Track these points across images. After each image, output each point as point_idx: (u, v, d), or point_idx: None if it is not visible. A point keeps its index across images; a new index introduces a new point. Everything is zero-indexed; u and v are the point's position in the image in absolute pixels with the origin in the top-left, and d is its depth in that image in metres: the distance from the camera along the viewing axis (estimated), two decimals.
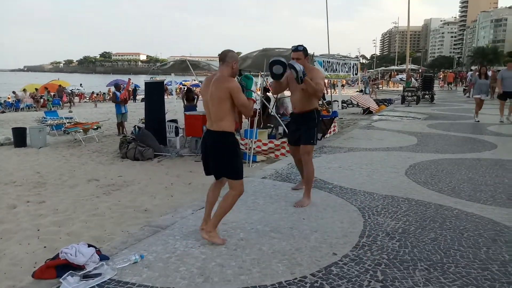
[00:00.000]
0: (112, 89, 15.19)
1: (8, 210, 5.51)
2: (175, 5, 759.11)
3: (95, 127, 12.21)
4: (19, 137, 10.64)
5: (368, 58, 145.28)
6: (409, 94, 19.19)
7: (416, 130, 10.45)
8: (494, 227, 3.88)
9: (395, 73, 46.16)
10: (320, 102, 11.42)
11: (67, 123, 12.82)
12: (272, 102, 10.91)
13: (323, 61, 9.51)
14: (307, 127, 4.65)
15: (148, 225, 4.10)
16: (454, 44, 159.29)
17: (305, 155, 4.66)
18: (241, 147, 7.68)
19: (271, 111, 10.43)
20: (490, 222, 4.02)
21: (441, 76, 43.84)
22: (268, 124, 10.38)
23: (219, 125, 3.42)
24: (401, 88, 26.52)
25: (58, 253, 3.20)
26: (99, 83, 49.83)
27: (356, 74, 13.49)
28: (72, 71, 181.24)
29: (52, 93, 26.45)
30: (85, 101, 33.08)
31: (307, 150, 4.65)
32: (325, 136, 9.67)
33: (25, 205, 5.68)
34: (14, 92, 26.55)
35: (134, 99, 29.81)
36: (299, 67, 4.18)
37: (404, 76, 30.82)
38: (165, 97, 12.36)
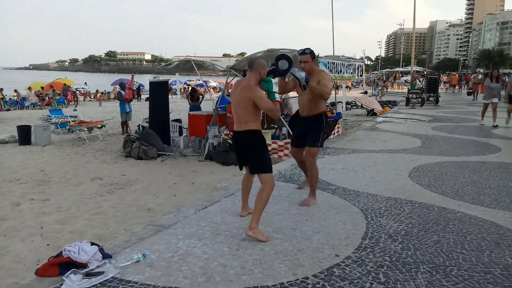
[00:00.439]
0: (117, 88, 15.24)
1: (12, 207, 5.53)
2: (180, 5, 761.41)
3: (99, 126, 12.23)
4: (24, 135, 10.69)
5: (373, 59, 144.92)
6: (414, 96, 19.15)
7: (420, 132, 10.42)
8: (498, 231, 3.87)
9: (400, 75, 46.04)
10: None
11: (72, 121, 12.87)
12: None
13: (328, 62, 9.51)
14: (314, 130, 4.60)
15: (151, 224, 4.11)
16: (460, 47, 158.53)
17: (309, 158, 4.63)
18: None
19: None
20: (494, 225, 4.01)
21: (443, 79, 43.55)
22: (272, 125, 10.38)
23: (247, 126, 3.73)
24: (405, 90, 26.44)
25: (61, 251, 3.22)
26: (104, 82, 49.95)
27: (361, 75, 13.46)
28: (77, 69, 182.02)
29: (57, 92, 26.60)
30: (90, 100, 33.19)
31: (311, 153, 4.62)
32: (329, 138, 9.65)
33: (29, 203, 5.71)
34: (16, 91, 26.59)
35: (139, 97, 29.87)
36: (300, 75, 4.12)
37: (408, 78, 30.76)
38: (169, 96, 12.38)
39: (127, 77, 38.18)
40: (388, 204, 4.63)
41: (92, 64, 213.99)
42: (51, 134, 11.28)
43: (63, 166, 8.06)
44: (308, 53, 4.48)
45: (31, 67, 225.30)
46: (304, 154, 4.73)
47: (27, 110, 22.75)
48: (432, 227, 3.94)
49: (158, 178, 7.02)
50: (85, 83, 39.43)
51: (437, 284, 2.86)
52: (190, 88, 16.29)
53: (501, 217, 4.22)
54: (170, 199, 5.80)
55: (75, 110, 19.84)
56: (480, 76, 25.85)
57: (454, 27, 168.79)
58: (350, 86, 40.30)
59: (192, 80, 40.89)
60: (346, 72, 10.75)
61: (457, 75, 43.41)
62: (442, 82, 40.43)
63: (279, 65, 4.08)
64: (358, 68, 12.00)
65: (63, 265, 3.05)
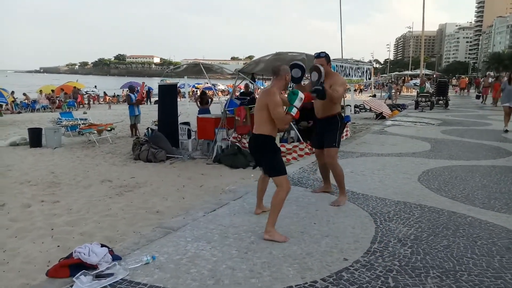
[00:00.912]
0: (127, 91, 15.34)
1: (23, 209, 5.60)
2: (188, 8, 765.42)
3: (109, 128, 12.34)
4: (35, 138, 10.81)
5: (382, 62, 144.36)
6: (423, 99, 19.03)
7: (430, 136, 10.34)
8: (508, 235, 3.82)
9: (409, 78, 45.77)
10: None
11: (82, 124, 13.00)
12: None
13: (336, 65, 9.48)
14: (328, 131, 4.76)
15: (160, 227, 4.13)
16: (470, 50, 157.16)
17: (329, 159, 4.78)
18: None
19: None
20: (504, 230, 3.96)
21: (452, 82, 43.10)
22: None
23: (260, 129, 3.83)
24: (414, 93, 26.23)
25: (72, 252, 3.25)
26: (113, 85, 50.34)
27: (369, 78, 13.40)
28: (87, 73, 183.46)
29: (68, 95, 26.86)
30: (99, 103, 33.47)
31: (331, 154, 4.75)
32: None
33: (40, 205, 5.77)
34: (25, 94, 26.82)
35: (149, 100, 30.09)
36: (316, 94, 4.28)
37: (417, 81, 30.54)
38: (178, 99, 12.44)
39: (137, 80, 38.48)
40: (397, 208, 4.61)
41: (101, 67, 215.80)
42: (61, 137, 11.41)
43: (73, 168, 8.13)
44: (323, 57, 4.69)
45: (41, 70, 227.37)
46: (324, 156, 4.85)
47: (38, 113, 22.99)
48: (442, 231, 3.91)
49: (167, 181, 7.05)
50: (95, 86, 39.73)
51: None
52: (199, 92, 16.34)
53: None
54: (178, 202, 5.82)
55: (85, 113, 20.03)
56: (490, 80, 25.56)
57: (463, 30, 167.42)
58: (360, 89, 40.13)
59: (201, 83, 41.07)
60: (355, 76, 10.70)
61: (466, 78, 43.04)
62: (451, 85, 40.12)
63: (292, 73, 4.21)
64: (366, 71, 11.94)
65: (74, 266, 3.08)
